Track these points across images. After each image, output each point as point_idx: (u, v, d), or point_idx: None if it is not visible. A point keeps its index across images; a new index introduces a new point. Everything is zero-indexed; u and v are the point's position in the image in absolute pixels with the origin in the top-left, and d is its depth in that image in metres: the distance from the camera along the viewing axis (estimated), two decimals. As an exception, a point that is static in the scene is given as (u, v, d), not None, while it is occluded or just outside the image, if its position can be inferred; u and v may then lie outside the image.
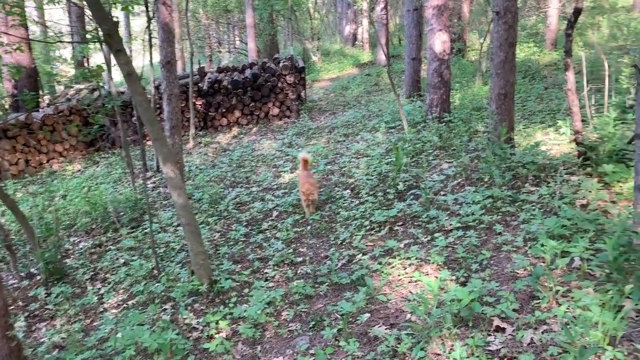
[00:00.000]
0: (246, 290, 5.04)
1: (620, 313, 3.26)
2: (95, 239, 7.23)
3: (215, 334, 4.39)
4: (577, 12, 5.95)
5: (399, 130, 10.14)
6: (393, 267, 4.92)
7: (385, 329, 4.01)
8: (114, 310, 5.19)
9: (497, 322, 3.71)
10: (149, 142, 11.42)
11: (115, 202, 7.93)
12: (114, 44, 4.54)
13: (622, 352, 3.13)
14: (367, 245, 5.56)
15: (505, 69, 6.69)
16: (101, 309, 5.31)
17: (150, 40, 9.80)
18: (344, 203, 6.90)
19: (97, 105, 12.02)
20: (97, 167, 11.79)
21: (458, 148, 7.84)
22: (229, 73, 13.92)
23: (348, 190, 7.37)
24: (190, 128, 12.64)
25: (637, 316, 3.47)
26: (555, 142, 7.41)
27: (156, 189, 9.30)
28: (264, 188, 8.30)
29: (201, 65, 14.81)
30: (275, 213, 7.09)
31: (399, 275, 4.77)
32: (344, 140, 10.47)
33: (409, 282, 4.63)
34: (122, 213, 7.68)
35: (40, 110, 12.69)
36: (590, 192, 5.25)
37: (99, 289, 5.79)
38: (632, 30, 13.88)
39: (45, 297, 5.70)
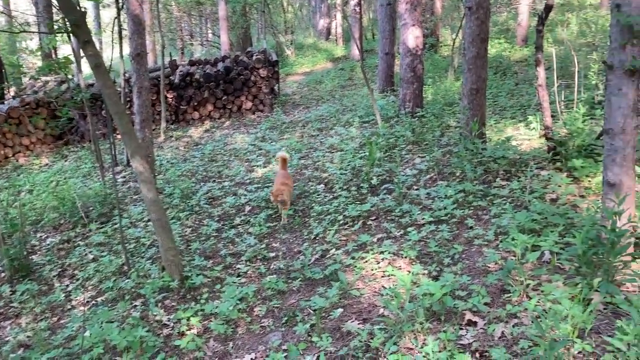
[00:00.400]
0: (218, 286, 4.98)
1: (589, 306, 3.30)
2: (63, 235, 7.07)
3: (187, 330, 4.32)
4: (548, 8, 6.01)
5: (372, 124, 10.15)
6: (366, 261, 4.91)
7: (358, 324, 4.00)
8: (82, 308, 5.07)
9: (469, 316, 3.74)
10: (119, 136, 11.22)
11: (84, 197, 7.76)
12: (81, 34, 4.42)
13: (591, 345, 3.17)
14: (340, 240, 5.54)
15: (477, 64, 6.73)
16: (69, 307, 5.20)
17: (120, 32, 9.59)
18: (317, 197, 6.88)
19: (65, 98, 11.76)
20: (66, 161, 11.54)
21: (430, 143, 7.88)
22: (201, 66, 13.74)
23: (322, 185, 7.35)
24: (162, 122, 12.45)
25: (604, 309, 3.53)
26: (526, 137, 7.50)
27: (126, 184, 9.14)
28: (237, 182, 8.22)
29: (173, 58, 14.60)
30: (247, 208, 7.03)
31: (372, 270, 4.77)
32: (318, 135, 10.44)
33: (382, 277, 4.63)
34: (91, 208, 7.52)
35: (6, 102, 12.35)
36: (559, 186, 5.32)
37: (67, 285, 5.66)
38: (600, 28, 14.13)
39: (10, 294, 5.55)
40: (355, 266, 4.85)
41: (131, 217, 7.28)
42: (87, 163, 10.72)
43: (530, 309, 3.54)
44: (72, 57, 7.14)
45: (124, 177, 9.56)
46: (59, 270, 6.07)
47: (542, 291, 3.77)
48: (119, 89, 10.46)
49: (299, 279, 4.91)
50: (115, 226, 6.91)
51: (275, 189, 6.39)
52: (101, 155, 8.67)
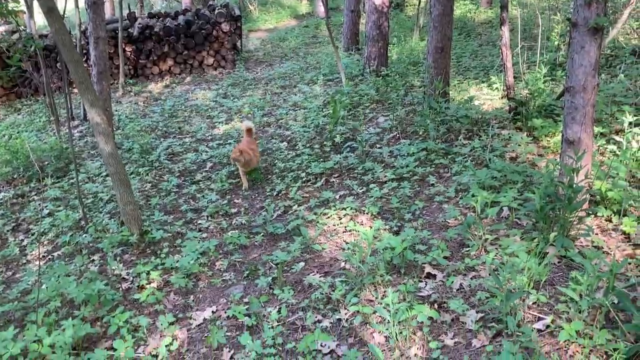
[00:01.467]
0: (179, 241, 4.92)
1: (544, 259, 3.40)
2: (17, 189, 6.84)
3: (146, 284, 4.27)
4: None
5: (336, 83, 10.06)
6: (328, 217, 4.92)
7: (320, 277, 4.02)
8: (37, 262, 4.95)
9: (428, 269, 3.80)
10: (76, 90, 10.82)
11: (39, 151, 7.50)
12: (31, -25, 4.17)
13: (545, 295, 3.28)
14: (303, 197, 5.53)
15: (442, 22, 6.70)
16: (24, 261, 5.07)
17: (74, -21, 9.13)
18: (280, 155, 6.82)
19: (17, 49, 11.22)
20: (19, 114, 11.10)
21: (394, 102, 7.87)
22: (161, 19, 13.26)
23: (285, 143, 7.29)
24: (120, 76, 12.04)
25: (559, 262, 3.63)
26: (488, 97, 7.57)
27: (83, 138, 8.86)
28: (198, 139, 8.07)
29: (131, 10, 14.04)
30: (209, 164, 6.92)
31: (334, 225, 4.78)
32: (281, 92, 10.30)
33: (344, 232, 4.66)
34: (46, 162, 7.28)
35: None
36: (519, 145, 5.40)
37: (22, 240, 5.51)
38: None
39: (-39, 249, 5.37)
40: (318, 222, 4.86)
41: (88, 172, 7.09)
42: (42, 117, 10.33)
43: (488, 262, 3.62)
44: (21, 3, 6.77)
45: (81, 131, 9.26)
46: (13, 224, 5.88)
47: (500, 245, 3.86)
48: (74, 41, 10.02)
49: (261, 234, 4.90)
50: (72, 181, 6.73)
51: (233, 151, 6.11)
52: (56, 109, 8.36)
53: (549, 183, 3.83)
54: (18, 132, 9.31)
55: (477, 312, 3.30)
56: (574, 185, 3.59)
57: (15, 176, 7.21)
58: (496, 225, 4.13)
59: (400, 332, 3.19)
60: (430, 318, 3.31)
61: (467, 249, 3.97)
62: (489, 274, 3.52)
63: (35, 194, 6.64)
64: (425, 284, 3.67)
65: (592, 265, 3.09)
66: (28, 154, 7.24)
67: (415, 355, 3.06)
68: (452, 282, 3.61)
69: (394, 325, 3.19)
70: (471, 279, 3.62)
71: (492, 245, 3.93)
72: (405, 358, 3.06)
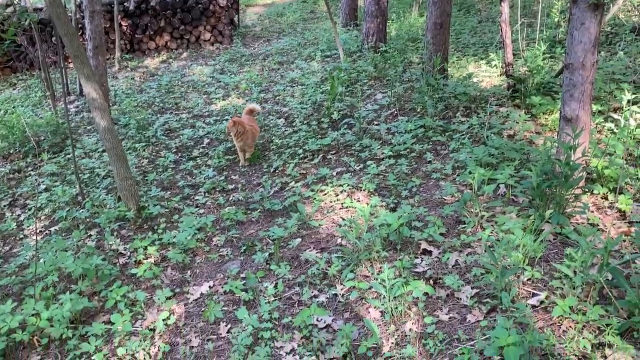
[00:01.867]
0: (176, 217, 4.93)
1: (540, 236, 3.41)
2: (14, 164, 6.82)
3: (144, 259, 4.29)
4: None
5: (334, 59, 9.98)
6: (325, 194, 4.93)
7: (316, 253, 4.04)
8: (34, 237, 4.96)
9: (424, 245, 3.82)
10: (72, 65, 10.72)
11: (35, 127, 7.46)
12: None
13: (540, 272, 3.30)
14: (300, 173, 5.53)
15: (442, -2, 6.63)
16: (21, 236, 5.07)
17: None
18: (277, 131, 6.80)
19: (11, 22, 11.08)
20: (14, 89, 11.02)
21: (392, 78, 7.82)
22: (157, -7, 13.09)
23: (282, 119, 7.26)
24: (116, 51, 11.92)
25: (554, 239, 3.65)
26: (487, 74, 7.52)
27: (79, 114, 8.81)
28: (195, 115, 8.03)
29: (127, -17, 13.83)
30: (206, 140, 6.90)
31: (330, 202, 4.79)
32: (279, 68, 10.22)
33: (341, 209, 4.66)
34: (42, 138, 7.25)
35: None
36: (517, 123, 5.39)
37: (19, 215, 5.51)
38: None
39: (-42, 224, 5.37)
40: (314, 198, 4.86)
41: (85, 147, 7.06)
42: (37, 92, 10.25)
43: (484, 239, 3.63)
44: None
45: (77, 107, 9.20)
46: (10, 200, 5.88)
47: (495, 222, 3.88)
48: (69, 15, 9.89)
49: (258, 210, 4.90)
50: (68, 156, 6.70)
51: (229, 121, 6.05)
52: (52, 83, 8.29)
53: (546, 160, 3.83)
54: (14, 107, 9.25)
55: (472, 288, 3.33)
56: (571, 163, 3.59)
57: (11, 151, 7.18)
58: (492, 202, 4.14)
59: (396, 308, 3.22)
60: (426, 294, 3.34)
61: (463, 226, 3.98)
62: (485, 251, 3.54)
63: (32, 169, 6.63)
64: (421, 260, 3.69)
65: (587, 242, 3.11)
66: (24, 129, 7.21)
67: (410, 330, 3.09)
68: (448, 258, 3.63)
69: (389, 301, 3.21)
70: (467, 255, 3.64)
71: (488, 222, 3.94)
72: (400, 332, 3.09)
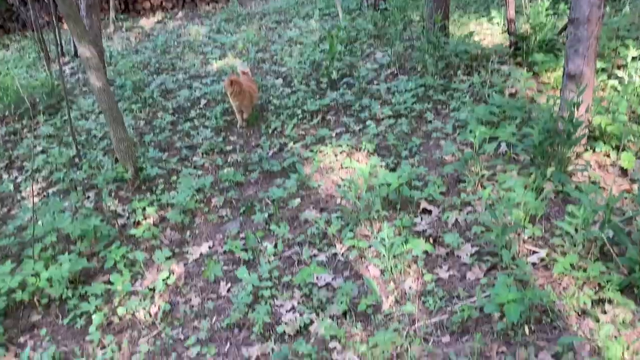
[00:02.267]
0: (174, 178, 4.89)
1: (541, 194, 3.38)
2: (9, 127, 6.74)
3: (142, 220, 4.27)
4: None
5: (333, 17, 9.78)
6: (324, 154, 4.88)
7: (316, 213, 4.02)
8: (32, 199, 4.92)
9: (424, 204, 3.80)
10: (66, 26, 10.51)
11: (30, 88, 7.34)
12: None
13: (541, 230, 3.29)
14: (298, 134, 5.46)
15: (444, -47, 6.44)
16: (18, 198, 5.04)
17: None
18: (275, 92, 6.70)
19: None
20: (7, 50, 10.83)
21: (393, 37, 7.66)
22: (151, -50, 12.76)
23: (280, 79, 7.14)
24: (110, 11, 11.68)
25: (555, 197, 3.63)
26: (489, 32, 7.37)
27: (75, 75, 8.67)
28: (191, 75, 7.90)
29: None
30: (203, 101, 6.80)
31: (330, 163, 4.74)
32: (276, 27, 10.02)
33: (340, 169, 4.62)
34: (37, 100, 7.14)
35: None
36: (519, 81, 5.30)
37: (16, 177, 5.46)
38: None
39: (-45, 186, 5.33)
40: (314, 159, 4.81)
41: (81, 108, 6.97)
42: (31, 53, 10.07)
43: (485, 198, 3.60)
44: None
45: (72, 68, 9.05)
46: (6, 162, 5.82)
47: (496, 181, 3.84)
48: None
49: (257, 171, 4.86)
50: (65, 118, 6.61)
51: (226, 79, 5.91)
52: (46, 44, 8.12)
53: (548, 118, 3.77)
54: (7, 69, 9.09)
55: (472, 246, 3.32)
56: (574, 120, 3.54)
57: (6, 113, 7.08)
58: (494, 160, 4.10)
59: (395, 266, 3.22)
60: (425, 252, 3.33)
61: (464, 185, 3.95)
62: (485, 209, 3.52)
63: (28, 131, 6.55)
64: (421, 219, 3.67)
65: (588, 199, 3.08)
66: (19, 91, 7.10)
67: (410, 287, 3.09)
68: (448, 217, 3.61)
69: (389, 259, 3.20)
70: (467, 214, 3.62)
71: (489, 180, 3.91)
72: (400, 290, 3.09)
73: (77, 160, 5.40)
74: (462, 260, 3.24)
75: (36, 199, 4.88)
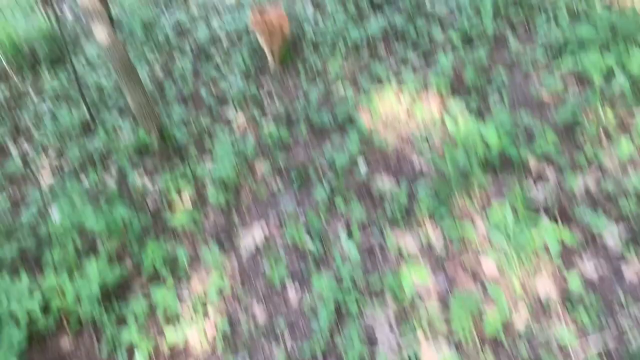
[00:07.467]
0: (207, 142, 4.08)
1: None
2: (9, 84, 5.92)
3: (177, 199, 3.52)
4: None
5: None
6: (384, 99, 3.99)
7: (390, 181, 3.21)
8: (45, 181, 4.19)
9: (533, 164, 2.96)
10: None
11: (29, 38, 6.42)
12: None
13: None
14: (345, 74, 4.54)
15: None
16: (30, 176, 4.30)
17: None
18: (308, 23, 5.68)
19: None
20: (-1, -6, 9.79)
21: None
22: None
23: (310, 6, 6.09)
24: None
25: None
26: None
27: (79, 21, 7.70)
28: (207, 9, 6.87)
29: None
30: (225, 42, 5.83)
31: (393, 110, 3.86)
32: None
33: (408, 118, 3.75)
34: (38, 50, 6.26)
35: None
36: None
37: (26, 152, 4.70)
38: None
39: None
40: (371, 107, 3.93)
41: (88, 59, 6.09)
42: (27, -4, 9.05)
43: (622, 154, 2.74)
44: None
45: (75, 13, 8.05)
46: (12, 129, 5.05)
47: (631, 129, 2.96)
48: None
49: (304, 126, 4.01)
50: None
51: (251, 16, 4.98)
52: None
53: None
54: (4, 18, 8.14)
55: (619, 225, 2.51)
56: None
57: (6, 67, 6.24)
58: (620, 100, 3.19)
59: (519, 259, 2.44)
60: (561, 240, 2.53)
61: (581, 137, 3.07)
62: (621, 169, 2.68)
63: (32, 89, 5.73)
64: (537, 187, 2.85)
65: None
66: (17, 41, 6.21)
67: (547, 293, 2.33)
68: (573, 183, 2.77)
69: (510, 250, 2.43)
70: (600, 178, 2.78)
71: (620, 128, 3.03)
72: (532, 297, 2.33)
73: (90, 125, 4.62)
74: (609, 247, 2.44)
75: (50, 180, 4.15)
